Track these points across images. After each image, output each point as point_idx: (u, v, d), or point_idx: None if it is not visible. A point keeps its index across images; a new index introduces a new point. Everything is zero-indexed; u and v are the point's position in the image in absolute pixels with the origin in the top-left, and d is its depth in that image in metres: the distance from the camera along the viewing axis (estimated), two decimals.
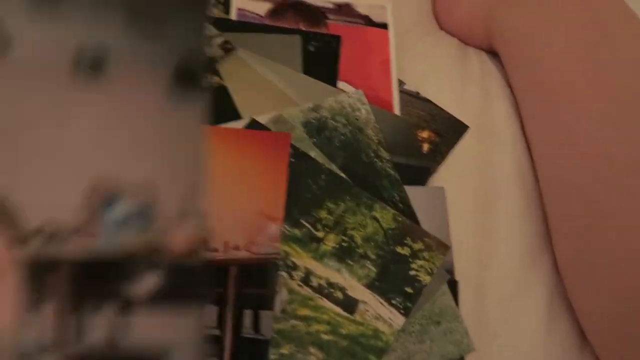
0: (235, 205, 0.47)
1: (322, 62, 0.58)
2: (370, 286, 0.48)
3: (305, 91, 0.55)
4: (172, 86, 0.26)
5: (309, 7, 0.61)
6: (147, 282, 0.27)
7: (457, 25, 0.66)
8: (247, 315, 0.39)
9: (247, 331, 0.38)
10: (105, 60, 0.26)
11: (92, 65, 0.26)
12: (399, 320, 0.47)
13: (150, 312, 0.27)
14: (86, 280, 0.26)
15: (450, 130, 0.57)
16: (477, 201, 0.54)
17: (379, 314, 0.47)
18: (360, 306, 0.47)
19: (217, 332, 0.36)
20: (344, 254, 0.49)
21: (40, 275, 0.25)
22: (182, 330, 0.27)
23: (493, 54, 0.64)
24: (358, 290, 0.48)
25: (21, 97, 0.25)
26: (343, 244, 0.49)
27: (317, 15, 0.61)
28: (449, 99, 0.59)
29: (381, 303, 0.48)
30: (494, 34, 0.63)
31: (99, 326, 0.26)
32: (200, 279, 0.27)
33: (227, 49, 0.55)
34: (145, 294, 0.27)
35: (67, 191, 0.26)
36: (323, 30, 0.60)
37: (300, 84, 0.56)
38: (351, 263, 0.48)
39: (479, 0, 0.65)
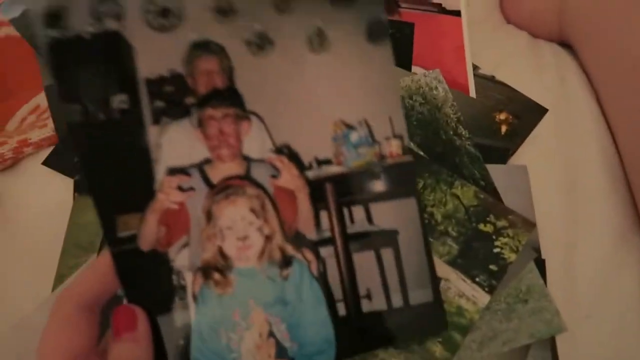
0: None
1: (396, 48, 0.58)
2: (452, 263, 0.45)
3: None
4: (367, 42, 0.38)
5: None
6: (380, 183, 0.39)
7: (527, 18, 0.65)
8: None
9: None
10: (326, 34, 0.37)
11: (318, 42, 0.37)
12: (483, 298, 0.44)
13: (384, 203, 0.39)
14: (344, 188, 0.39)
15: (528, 113, 0.55)
16: (561, 181, 0.51)
17: (462, 291, 0.45)
18: (443, 283, 0.45)
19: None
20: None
21: (318, 189, 0.38)
22: (404, 214, 0.40)
23: (564, 45, 0.62)
24: (440, 268, 0.45)
25: (283, 76, 0.37)
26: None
27: (390, 3, 0.61)
28: (525, 84, 0.57)
29: (464, 280, 0.45)
30: (569, 25, 0.61)
31: (357, 215, 0.39)
32: (409, 175, 0.40)
33: None
34: (380, 191, 0.39)
35: (321, 133, 0.38)
36: (396, 18, 0.60)
37: None
38: (432, 240, 0.46)
39: None
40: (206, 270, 0.36)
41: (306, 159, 0.37)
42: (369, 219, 0.39)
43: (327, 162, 0.38)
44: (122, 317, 0.34)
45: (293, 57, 0.37)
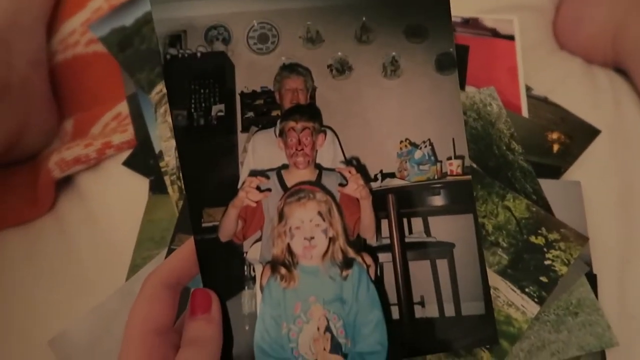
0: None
1: None
2: (503, 273, 0.46)
3: None
4: (435, 72, 0.41)
5: None
6: (439, 198, 0.41)
7: (582, 43, 0.64)
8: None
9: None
10: (399, 62, 0.40)
11: (392, 69, 0.40)
12: (532, 308, 0.44)
13: (442, 217, 0.41)
14: (405, 200, 0.40)
15: (581, 133, 0.55)
16: (616, 198, 0.50)
17: (512, 301, 0.45)
18: (492, 292, 0.45)
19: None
20: None
21: (380, 199, 0.39)
22: (461, 229, 0.41)
23: (618, 71, 0.62)
24: (490, 277, 0.46)
25: (358, 97, 0.40)
26: None
27: None
28: (578, 106, 0.56)
29: (513, 290, 0.45)
30: (624, 50, 0.60)
31: (416, 226, 0.41)
32: (467, 193, 0.41)
33: None
34: (439, 206, 0.41)
35: (388, 149, 0.40)
36: None
37: None
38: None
39: (604, 19, 0.63)
40: (274, 265, 0.38)
41: (372, 171, 0.39)
42: (427, 231, 0.41)
43: (391, 175, 0.40)
44: (199, 298, 0.36)
45: (368, 81, 0.40)
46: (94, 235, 0.50)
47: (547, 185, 0.50)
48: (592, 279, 0.46)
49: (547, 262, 0.46)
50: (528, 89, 0.58)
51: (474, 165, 0.50)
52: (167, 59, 0.38)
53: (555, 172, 0.52)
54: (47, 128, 0.57)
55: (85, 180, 0.53)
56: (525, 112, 0.56)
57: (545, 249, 0.46)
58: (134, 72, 0.55)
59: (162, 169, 0.51)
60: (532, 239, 0.47)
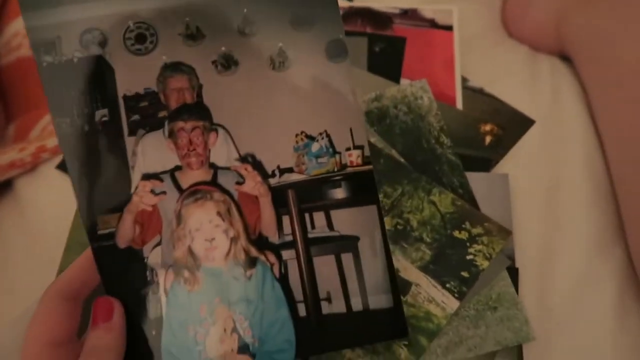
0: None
1: (387, 61, 0.58)
2: (425, 269, 0.45)
3: (369, 87, 0.55)
4: (327, 60, 0.39)
5: (376, 12, 0.61)
6: (340, 190, 0.41)
7: (528, 32, 0.63)
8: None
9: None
10: (287, 54, 0.39)
11: (280, 61, 0.39)
12: (452, 304, 0.44)
13: (345, 210, 0.41)
14: (305, 194, 0.40)
15: (514, 124, 0.54)
16: (543, 191, 0.50)
17: (432, 296, 0.44)
18: (413, 289, 0.44)
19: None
20: (399, 237, 0.46)
21: (280, 195, 0.39)
22: (365, 221, 0.40)
23: (563, 58, 0.60)
24: (411, 273, 0.45)
25: (247, 92, 0.39)
26: (398, 226, 0.47)
27: (384, 19, 0.61)
28: (517, 96, 0.56)
29: (434, 286, 0.45)
30: (567, 37, 0.59)
31: (318, 221, 0.41)
32: (369, 184, 0.39)
33: None
34: (340, 198, 0.41)
35: (284, 143, 0.39)
36: (389, 33, 0.60)
37: (364, 80, 0.56)
38: (405, 246, 0.46)
39: (549, 6, 0.62)
40: (177, 268, 0.37)
41: (269, 167, 0.39)
42: (330, 225, 0.40)
43: (289, 170, 0.39)
44: (100, 307, 0.36)
45: (256, 75, 0.39)
46: (27, 240, 0.49)
47: (476, 179, 0.49)
48: (513, 273, 0.45)
49: (469, 257, 0.45)
50: (464, 80, 0.57)
51: (402, 160, 0.49)
52: (44, 66, 0.37)
53: (486, 165, 0.52)
54: None
55: (22, 184, 0.53)
56: (459, 104, 0.55)
57: (468, 244, 0.46)
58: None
59: None
60: (456, 233, 0.46)
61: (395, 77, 0.56)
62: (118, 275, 0.37)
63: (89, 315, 0.36)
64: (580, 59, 0.57)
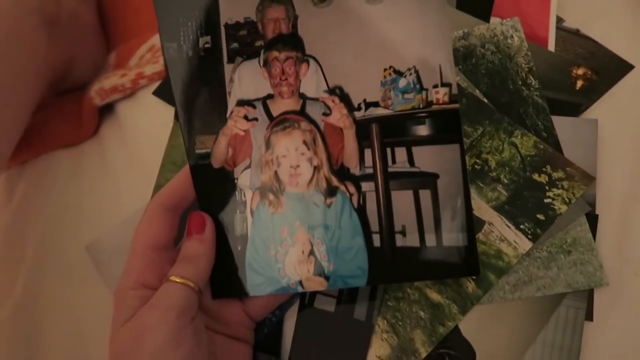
0: None
1: None
2: (499, 209, 0.44)
3: (457, 25, 0.52)
4: None
5: None
6: (424, 127, 0.40)
7: None
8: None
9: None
10: None
11: None
12: (525, 245, 0.43)
13: (427, 147, 0.40)
14: (389, 129, 0.40)
15: (610, 69, 0.50)
16: (634, 141, 0.47)
17: (505, 236, 0.44)
18: (486, 227, 0.44)
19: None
20: (475, 177, 0.45)
21: (364, 128, 0.39)
22: (446, 160, 0.40)
23: None
24: (485, 212, 0.45)
25: (340, 24, 0.39)
26: (476, 166, 0.46)
27: None
28: (616, 39, 0.51)
29: (508, 226, 0.44)
30: None
31: (399, 156, 0.40)
32: (454, 123, 0.39)
33: None
34: (423, 135, 0.40)
35: (372, 78, 0.39)
36: None
37: (452, 19, 0.53)
38: (482, 185, 0.45)
39: None
40: (263, 191, 0.39)
41: (356, 100, 0.39)
42: (410, 161, 0.40)
43: (375, 104, 0.39)
44: (194, 220, 0.39)
45: (350, 7, 0.39)
46: (127, 158, 0.53)
47: (563, 123, 0.47)
48: (593, 220, 0.43)
49: (547, 200, 0.44)
50: (559, 20, 0.53)
51: (485, 100, 0.47)
52: None
53: (575, 110, 0.48)
54: (95, 60, 0.60)
55: (123, 108, 0.56)
56: (552, 46, 0.51)
57: (547, 187, 0.44)
58: None
59: None
60: (535, 176, 0.44)
61: (485, 16, 0.53)
62: (211, 192, 0.40)
63: (185, 227, 0.39)
64: None
